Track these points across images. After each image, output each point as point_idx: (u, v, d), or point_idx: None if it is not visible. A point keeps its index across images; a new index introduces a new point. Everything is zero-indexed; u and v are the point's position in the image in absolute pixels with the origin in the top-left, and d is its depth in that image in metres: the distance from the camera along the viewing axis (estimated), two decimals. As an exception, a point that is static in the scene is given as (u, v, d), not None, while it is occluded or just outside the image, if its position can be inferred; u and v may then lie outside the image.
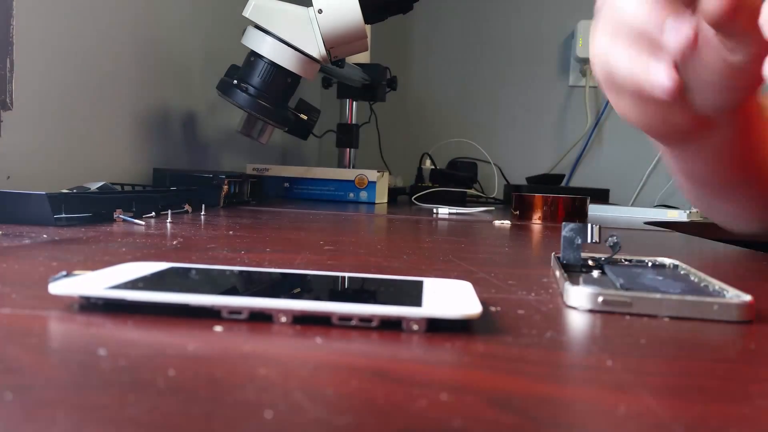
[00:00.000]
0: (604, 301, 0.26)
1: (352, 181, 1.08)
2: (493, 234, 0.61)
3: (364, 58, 1.26)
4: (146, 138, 0.93)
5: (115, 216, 0.55)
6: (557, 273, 0.33)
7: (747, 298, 0.25)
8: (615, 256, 0.36)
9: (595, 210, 1.09)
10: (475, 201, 1.41)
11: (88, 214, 0.53)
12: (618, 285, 0.29)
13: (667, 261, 0.36)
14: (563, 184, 1.61)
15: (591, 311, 0.26)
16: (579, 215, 0.82)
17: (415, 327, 0.21)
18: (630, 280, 0.30)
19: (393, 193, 1.25)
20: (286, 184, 1.10)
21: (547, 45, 1.70)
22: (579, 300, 0.26)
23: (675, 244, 0.58)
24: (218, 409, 0.14)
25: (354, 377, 0.16)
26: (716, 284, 0.28)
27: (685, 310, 0.25)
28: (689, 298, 0.25)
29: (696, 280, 0.31)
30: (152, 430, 0.13)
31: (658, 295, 0.26)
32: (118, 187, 0.67)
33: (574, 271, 0.34)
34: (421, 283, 0.26)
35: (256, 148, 1.34)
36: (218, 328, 0.20)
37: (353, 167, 1.26)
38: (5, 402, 0.14)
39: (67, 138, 0.76)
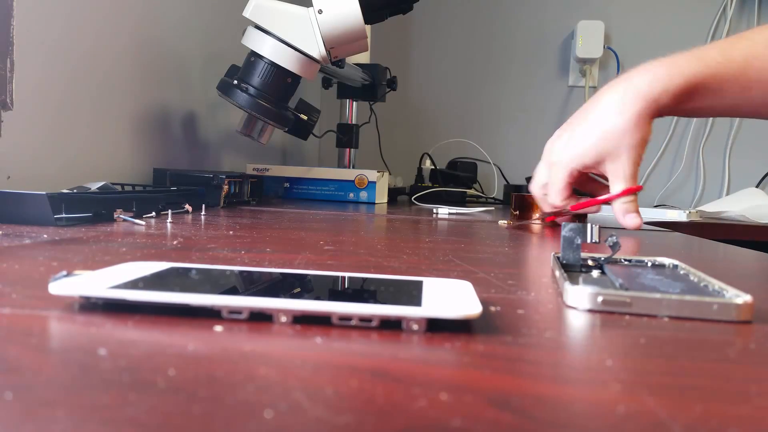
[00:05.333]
0: (603, 301, 0.26)
1: (352, 181, 1.08)
2: (492, 234, 0.61)
3: (364, 58, 1.27)
4: (146, 138, 0.93)
5: (115, 216, 0.55)
6: (557, 273, 0.33)
7: (746, 298, 0.25)
8: (614, 256, 0.36)
9: (595, 210, 1.09)
10: (475, 201, 1.41)
11: (89, 214, 0.53)
12: (617, 285, 0.29)
13: (666, 261, 0.36)
14: (563, 184, 1.61)
15: (590, 311, 0.26)
16: (579, 215, 0.82)
17: (415, 327, 0.21)
18: (629, 279, 0.30)
19: (393, 193, 1.25)
20: (286, 184, 1.10)
21: (546, 45, 1.70)
22: (578, 300, 0.26)
23: (675, 244, 0.59)
24: (218, 408, 0.14)
25: (354, 377, 0.16)
26: (716, 284, 0.28)
27: (685, 310, 0.25)
28: (689, 297, 0.25)
29: (695, 280, 0.31)
30: (152, 429, 0.13)
31: (657, 295, 0.26)
32: (119, 187, 0.67)
33: (574, 270, 0.34)
34: (420, 283, 0.26)
35: (257, 148, 1.34)
36: (218, 328, 0.20)
37: (353, 167, 1.26)
38: (6, 401, 0.14)
39: (67, 138, 0.76)
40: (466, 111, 1.75)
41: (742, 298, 0.25)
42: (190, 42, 1.05)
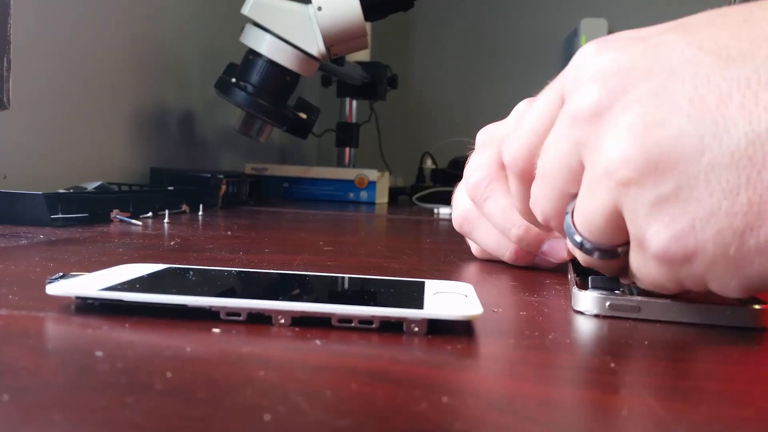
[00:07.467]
0: (611, 306, 0.25)
1: (352, 181, 1.07)
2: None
3: (364, 56, 1.26)
4: (144, 137, 0.93)
5: (112, 216, 0.55)
6: (569, 276, 0.32)
7: (761, 304, 0.25)
8: None
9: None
10: (475, 200, 1.41)
11: (85, 215, 0.53)
12: (627, 289, 0.28)
13: None
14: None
15: (597, 316, 0.25)
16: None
17: (416, 329, 0.21)
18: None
19: (393, 193, 1.25)
20: (286, 184, 1.10)
21: (549, 43, 1.70)
22: (586, 304, 0.26)
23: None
24: (216, 411, 0.14)
25: (354, 380, 0.16)
26: None
27: (696, 316, 0.25)
28: (701, 303, 0.25)
29: None
30: (149, 433, 0.12)
31: (667, 300, 0.25)
32: (116, 187, 0.67)
33: (585, 273, 0.33)
34: (422, 284, 0.26)
35: (255, 148, 1.33)
36: (216, 330, 0.20)
37: (353, 167, 1.26)
38: (2, 403, 0.13)
39: (63, 137, 0.76)
40: (467, 109, 1.75)
41: (757, 304, 0.25)
42: (187, 40, 1.05)
